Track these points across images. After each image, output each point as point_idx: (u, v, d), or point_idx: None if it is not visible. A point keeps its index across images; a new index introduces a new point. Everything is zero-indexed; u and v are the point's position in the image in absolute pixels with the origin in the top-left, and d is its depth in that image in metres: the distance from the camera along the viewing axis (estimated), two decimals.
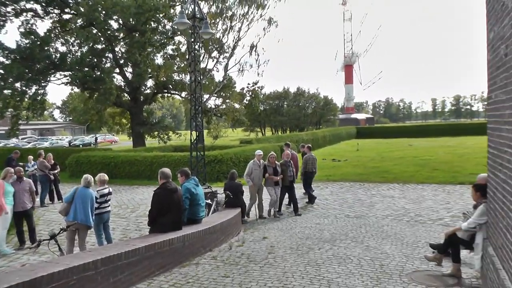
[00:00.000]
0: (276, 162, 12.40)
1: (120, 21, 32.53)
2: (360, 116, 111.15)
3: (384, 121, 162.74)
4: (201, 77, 12.67)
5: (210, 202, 10.95)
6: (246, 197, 12.18)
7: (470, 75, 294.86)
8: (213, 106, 40.63)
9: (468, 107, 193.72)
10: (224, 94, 40.83)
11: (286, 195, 12.53)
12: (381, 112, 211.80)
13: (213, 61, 38.89)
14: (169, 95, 42.28)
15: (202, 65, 34.67)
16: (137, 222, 11.88)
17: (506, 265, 4.53)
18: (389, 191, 15.29)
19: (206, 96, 37.83)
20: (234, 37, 38.73)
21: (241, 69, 39.73)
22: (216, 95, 39.30)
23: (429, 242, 8.24)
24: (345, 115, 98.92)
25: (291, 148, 16.03)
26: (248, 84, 44.33)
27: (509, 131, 4.38)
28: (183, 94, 37.97)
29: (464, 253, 6.94)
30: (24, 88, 30.24)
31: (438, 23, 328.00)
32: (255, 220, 11.62)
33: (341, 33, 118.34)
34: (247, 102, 43.91)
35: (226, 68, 38.24)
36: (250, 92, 42.97)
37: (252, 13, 37.90)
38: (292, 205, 12.40)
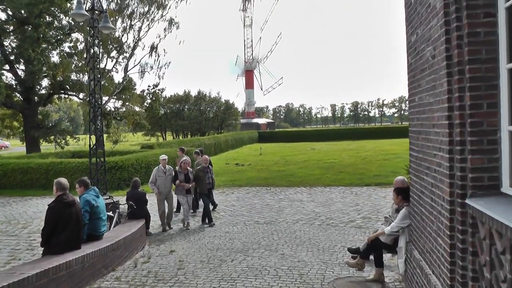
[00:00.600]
0: (189, 168, 11.67)
1: (9, 12, 29.85)
2: (261, 120, 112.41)
3: (285, 125, 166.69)
4: (100, 77, 11.67)
5: (112, 215, 9.93)
6: (152, 207, 11.47)
7: (367, 82, 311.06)
8: (113, 109, 38.90)
9: (366, 113, 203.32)
10: (124, 97, 39.28)
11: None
12: (282, 117, 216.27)
13: (112, 61, 37.31)
14: (66, 96, 39.84)
15: (101, 65, 32.99)
16: (29, 240, 10.35)
17: (436, 270, 4.33)
18: (296, 195, 15.20)
19: (105, 98, 36.06)
20: (134, 37, 37.42)
21: (141, 70, 38.39)
22: (115, 97, 37.66)
23: (346, 247, 8.09)
24: (246, 120, 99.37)
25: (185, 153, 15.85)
26: (149, 86, 43.14)
27: (438, 134, 4.19)
28: (81, 95, 35.90)
29: (384, 256, 6.81)
30: None
31: (339, 34, 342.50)
32: (161, 232, 10.81)
33: (242, 38, 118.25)
34: (147, 105, 42.56)
35: (126, 69, 36.86)
36: (150, 95, 41.71)
37: (153, 12, 36.79)
38: (203, 213, 11.59)
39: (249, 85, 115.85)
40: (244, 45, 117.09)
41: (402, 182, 7.12)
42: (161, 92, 43.75)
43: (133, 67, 37.94)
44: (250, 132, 57.38)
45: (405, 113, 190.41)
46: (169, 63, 41.30)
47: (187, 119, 61.70)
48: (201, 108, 64.23)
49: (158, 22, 39.74)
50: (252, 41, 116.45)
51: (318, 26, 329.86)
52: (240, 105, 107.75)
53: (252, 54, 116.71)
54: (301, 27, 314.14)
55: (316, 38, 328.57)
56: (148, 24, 36.84)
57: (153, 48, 37.59)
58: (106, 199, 10.29)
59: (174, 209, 12.40)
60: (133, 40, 37.04)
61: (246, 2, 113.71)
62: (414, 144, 5.42)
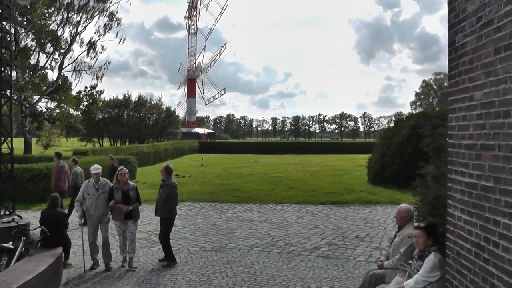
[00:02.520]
0: (130, 182, 8.69)
1: None
2: (202, 130, 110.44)
3: (225, 136, 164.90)
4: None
5: (11, 246, 7.28)
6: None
7: (307, 98, 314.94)
8: (45, 110, 35.75)
9: (306, 127, 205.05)
10: (58, 97, 36.23)
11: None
12: (222, 128, 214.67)
13: (47, 57, 34.25)
14: None
15: (33, 60, 30.10)
16: None
17: None
18: (246, 213, 13.42)
19: (36, 97, 32.99)
20: (71, 31, 34.48)
21: (78, 69, 35.37)
22: (48, 97, 34.55)
23: None
24: (187, 129, 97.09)
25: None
26: (86, 88, 40.19)
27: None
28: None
29: None
30: None
31: (286, 48, 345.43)
32: (89, 269, 7.99)
33: (186, 46, 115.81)
34: (83, 108, 39.57)
35: (61, 67, 33.79)
36: (87, 97, 38.78)
37: (93, 8, 34.06)
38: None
39: (191, 94, 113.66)
40: (188, 53, 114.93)
41: (408, 212, 5.53)
42: (99, 95, 40.84)
43: (68, 65, 34.93)
44: (191, 141, 55.19)
45: (345, 130, 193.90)
46: (109, 63, 38.48)
47: (126, 125, 58.81)
48: (141, 114, 61.46)
49: (99, 17, 36.84)
50: (196, 49, 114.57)
51: (264, 38, 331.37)
52: (181, 114, 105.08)
53: (195, 62, 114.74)
54: (246, 37, 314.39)
55: (261, 50, 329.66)
56: (88, 18, 34.00)
57: (91, 44, 34.70)
58: (8, 222, 7.97)
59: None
60: (70, 35, 34.08)
61: (192, 9, 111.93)
62: (468, 165, 3.68)
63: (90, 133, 61.70)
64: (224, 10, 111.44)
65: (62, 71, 34.01)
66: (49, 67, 34.41)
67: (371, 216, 13.09)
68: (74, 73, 35.69)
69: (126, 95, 62.49)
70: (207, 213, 13.39)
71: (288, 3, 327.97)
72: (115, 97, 63.10)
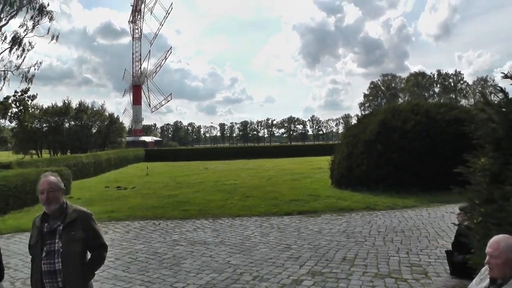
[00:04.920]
0: None
1: None
2: (149, 138, 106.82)
3: (173, 144, 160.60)
4: None
5: None
6: None
7: (253, 103, 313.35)
8: None
9: (255, 132, 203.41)
10: None
11: None
12: (170, 135, 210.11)
13: None
14: None
15: None
16: None
17: None
18: (197, 232, 10.79)
19: None
20: None
21: (4, 70, 31.29)
22: None
23: None
24: (133, 138, 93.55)
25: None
26: (16, 92, 35.93)
27: None
28: None
29: None
30: None
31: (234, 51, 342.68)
32: None
33: (130, 52, 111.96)
34: (11, 115, 35.45)
35: None
36: (17, 103, 34.71)
37: None
38: None
39: (136, 101, 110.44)
40: (133, 58, 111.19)
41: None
42: (32, 100, 36.71)
43: None
44: (136, 150, 51.79)
45: (294, 133, 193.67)
46: (40, 63, 34.43)
47: (66, 134, 54.65)
48: (83, 122, 57.33)
49: (27, 9, 32.69)
50: (141, 55, 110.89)
51: (209, 44, 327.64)
52: (127, 122, 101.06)
53: (140, 68, 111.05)
54: (191, 43, 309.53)
55: (206, 55, 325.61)
56: (10, 11, 30.08)
57: (16, 40, 30.65)
58: None
59: None
60: None
61: (136, 13, 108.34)
62: None
63: (27, 144, 57.14)
64: (168, 13, 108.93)
65: None
66: None
67: (350, 227, 10.79)
68: None
69: (66, 102, 58.26)
70: (148, 235, 10.66)
71: (231, 8, 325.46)
72: (53, 104, 58.76)
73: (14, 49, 30.68)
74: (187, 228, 11.35)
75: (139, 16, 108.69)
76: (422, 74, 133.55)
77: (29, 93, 36.49)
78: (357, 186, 17.15)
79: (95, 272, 4.08)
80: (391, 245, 8.86)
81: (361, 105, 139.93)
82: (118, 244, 9.81)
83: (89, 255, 3.95)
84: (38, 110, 57.21)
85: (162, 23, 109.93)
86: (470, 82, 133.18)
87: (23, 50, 31.14)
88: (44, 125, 57.71)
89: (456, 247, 5.72)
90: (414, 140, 16.69)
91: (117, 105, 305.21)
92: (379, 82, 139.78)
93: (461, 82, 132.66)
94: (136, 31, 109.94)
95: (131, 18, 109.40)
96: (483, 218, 4.07)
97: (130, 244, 9.72)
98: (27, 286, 7.14)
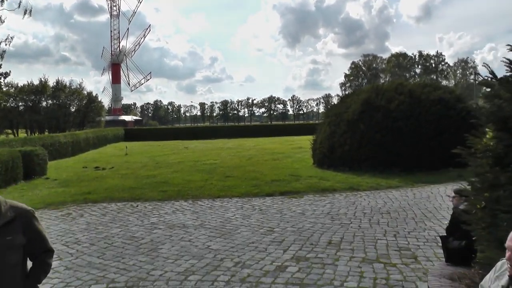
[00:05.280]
0: None
1: None
2: (128, 118, 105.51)
3: (153, 123, 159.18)
4: None
5: None
6: None
7: (233, 82, 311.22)
8: None
9: (235, 112, 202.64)
10: None
11: None
12: (150, 115, 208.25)
13: None
14: None
15: None
16: None
17: None
18: (176, 214, 10.39)
19: None
20: None
21: None
22: None
23: None
24: (112, 117, 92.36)
25: None
26: None
27: None
28: None
29: None
30: None
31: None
32: None
33: (109, 30, 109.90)
34: None
35: None
36: None
37: None
38: None
39: (115, 79, 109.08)
40: (111, 36, 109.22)
41: None
42: (4, 78, 35.45)
43: None
44: (115, 129, 50.95)
45: (274, 113, 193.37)
46: (12, 38, 32.90)
47: (43, 113, 53.40)
48: (60, 101, 55.99)
49: None
50: (119, 33, 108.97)
51: (188, 23, 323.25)
52: (106, 101, 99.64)
53: (119, 46, 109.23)
54: (170, 21, 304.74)
55: (186, 34, 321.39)
56: None
57: None
58: None
59: None
60: None
61: None
62: None
63: (2, 123, 55.80)
64: None
65: None
66: None
67: (334, 208, 10.50)
68: None
69: (42, 80, 56.79)
70: (125, 218, 10.22)
71: None
72: (29, 82, 57.28)
73: None
74: (165, 210, 10.94)
75: None
76: (403, 55, 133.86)
77: (1, 70, 34.98)
78: (339, 166, 16.92)
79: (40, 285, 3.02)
80: (377, 227, 8.58)
81: (342, 85, 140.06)
82: (93, 228, 9.36)
83: (30, 263, 2.99)
84: (13, 89, 55.76)
85: (141, 0, 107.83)
86: (451, 64, 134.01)
87: None
88: (20, 103, 56.36)
89: (451, 232, 5.42)
90: (397, 120, 16.45)
91: (96, 83, 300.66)
92: (360, 63, 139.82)
93: (442, 63, 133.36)
94: (114, 8, 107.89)
95: None
96: (488, 205, 3.75)
97: (106, 228, 9.29)
98: None
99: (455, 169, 15.20)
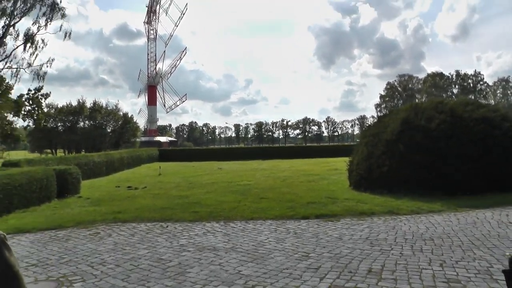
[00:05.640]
0: None
1: None
2: (163, 139, 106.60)
3: (188, 145, 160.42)
4: None
5: None
6: None
7: (268, 104, 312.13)
8: None
9: (270, 133, 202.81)
10: None
11: None
12: (185, 136, 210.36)
13: None
14: None
15: None
16: None
17: None
18: (207, 236, 9.97)
19: None
20: (4, 21, 29.87)
21: (12, 66, 30.62)
22: None
23: None
24: (148, 138, 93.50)
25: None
26: (29, 90, 35.48)
27: None
28: None
29: None
30: None
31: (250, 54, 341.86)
32: None
33: (146, 53, 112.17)
34: (25, 113, 34.95)
35: None
36: (30, 101, 34.20)
37: None
38: None
39: (151, 101, 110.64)
40: (148, 59, 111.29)
41: None
42: (45, 98, 36.26)
43: (1, 60, 30.24)
44: (149, 149, 51.11)
45: (309, 135, 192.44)
46: (53, 60, 33.85)
47: (80, 133, 54.39)
48: (97, 121, 57.00)
49: (40, 7, 32.09)
50: (156, 55, 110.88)
51: (223, 45, 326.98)
52: (142, 123, 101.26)
53: (155, 69, 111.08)
54: (206, 44, 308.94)
55: (221, 57, 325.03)
56: (24, 8, 29.54)
57: (29, 37, 30.00)
58: None
59: None
60: (3, 26, 29.37)
61: (151, 14, 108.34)
62: None
63: (42, 143, 57.08)
64: (183, 14, 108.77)
65: None
66: None
67: (373, 233, 9.87)
68: (11, 72, 31.33)
69: (80, 101, 58.07)
70: (154, 239, 9.87)
71: (246, 9, 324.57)
72: (68, 103, 58.64)
73: (28, 47, 30.05)
74: (196, 231, 10.54)
75: (154, 17, 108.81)
76: (440, 75, 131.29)
77: (43, 91, 35.90)
78: (377, 189, 16.22)
79: None
80: (421, 255, 7.92)
81: (377, 106, 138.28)
82: (120, 248, 9.03)
83: None
84: (53, 110, 57.10)
85: (177, 24, 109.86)
86: (490, 83, 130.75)
87: (36, 48, 30.50)
88: (59, 124, 57.64)
89: None
90: (438, 140, 15.69)
91: (133, 105, 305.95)
92: (395, 83, 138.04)
93: (481, 83, 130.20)
94: (151, 32, 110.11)
95: (146, 19, 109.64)
96: None
97: (134, 249, 8.94)
98: None
99: (502, 193, 14.50)
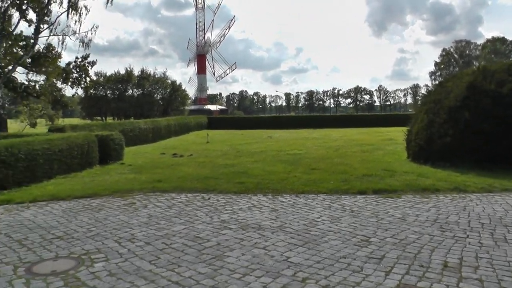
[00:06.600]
0: None
1: None
2: (214, 107, 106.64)
3: (238, 113, 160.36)
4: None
5: None
6: None
7: (319, 72, 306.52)
8: (26, 82, 31.26)
9: (321, 102, 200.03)
10: (44, 69, 31.75)
11: None
12: (235, 105, 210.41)
13: (29, 25, 29.69)
14: None
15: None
16: None
17: None
18: (252, 212, 8.87)
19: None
20: None
21: (57, 32, 30.16)
22: (29, 65, 30.01)
23: None
24: (198, 106, 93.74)
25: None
26: (77, 58, 35.37)
27: None
28: None
29: None
30: None
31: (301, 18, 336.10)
32: None
33: (194, 24, 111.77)
34: (72, 81, 34.91)
35: (37, 30, 28.90)
36: (77, 69, 34.07)
37: None
38: None
39: (201, 70, 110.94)
40: (196, 28, 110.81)
41: None
42: (91, 66, 36.06)
43: (46, 28, 29.90)
44: (198, 117, 50.52)
45: (360, 104, 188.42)
46: (97, 27, 33.37)
47: (128, 101, 54.54)
48: (145, 89, 56.90)
49: None
50: (204, 25, 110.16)
51: (272, 14, 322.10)
52: (192, 92, 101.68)
53: (204, 38, 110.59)
54: (254, 13, 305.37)
55: (270, 25, 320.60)
56: None
57: (72, 4, 29.46)
58: None
59: None
60: None
61: None
62: None
63: (92, 110, 57.84)
64: None
65: (39, 35, 29.07)
66: (31, 32, 29.76)
67: (442, 214, 8.46)
68: (57, 40, 31.14)
69: (128, 69, 58.11)
70: (193, 213, 8.87)
71: None
72: (116, 71, 58.91)
73: (72, 13, 29.61)
74: (240, 205, 9.47)
75: None
76: (501, 40, 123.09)
77: (89, 59, 35.75)
78: (438, 161, 14.65)
79: None
80: (507, 246, 6.43)
81: (432, 74, 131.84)
82: (154, 222, 8.09)
83: None
84: (102, 78, 57.61)
85: None
86: None
87: (80, 15, 30.05)
88: (108, 92, 58.16)
89: None
90: (511, 107, 13.89)
91: (183, 75, 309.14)
92: (451, 50, 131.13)
93: None
94: (200, 1, 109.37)
95: None
96: None
97: (169, 224, 7.96)
98: (32, 274, 5.59)
99: None
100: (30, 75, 31.88)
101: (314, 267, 5.66)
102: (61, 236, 7.34)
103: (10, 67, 28.57)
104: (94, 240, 7.08)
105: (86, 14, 30.64)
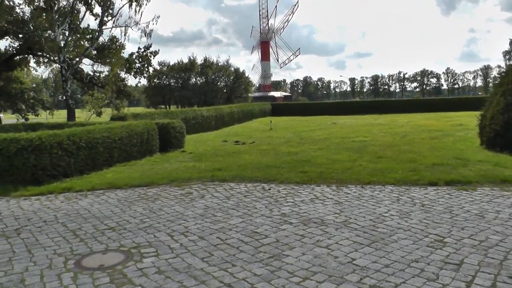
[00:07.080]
0: None
1: None
2: (278, 94, 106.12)
3: (302, 99, 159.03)
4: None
5: None
6: None
7: (389, 56, 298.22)
8: (91, 73, 31.99)
9: (386, 87, 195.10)
10: (109, 60, 32.36)
11: None
12: (300, 91, 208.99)
13: (94, 16, 30.28)
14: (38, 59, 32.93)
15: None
16: None
17: None
18: (315, 204, 8.22)
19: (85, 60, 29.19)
20: None
21: (119, 24, 30.61)
22: (95, 57, 30.68)
23: None
24: (262, 93, 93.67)
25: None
26: (139, 48, 35.89)
27: None
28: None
29: None
30: None
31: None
32: None
33: (257, 12, 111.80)
34: (135, 70, 35.46)
35: (101, 22, 29.46)
36: (140, 59, 34.53)
37: None
38: None
39: (265, 57, 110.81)
40: (259, 15, 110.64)
41: None
42: (154, 56, 36.38)
43: (110, 20, 30.41)
44: (261, 104, 49.98)
45: (427, 88, 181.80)
46: (158, 17, 33.65)
47: (191, 89, 55.05)
48: (208, 77, 57.17)
49: None
50: (267, 11, 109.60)
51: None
52: (256, 79, 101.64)
53: (267, 24, 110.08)
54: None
55: (334, 10, 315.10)
56: None
57: None
58: None
59: None
60: None
61: None
62: None
63: (156, 99, 58.84)
64: None
65: (103, 27, 29.59)
66: (96, 25, 30.43)
67: None
68: (120, 30, 31.76)
69: (191, 58, 58.61)
70: (251, 204, 8.34)
71: None
72: (179, 60, 59.57)
73: (134, 5, 29.98)
74: (302, 197, 8.85)
75: None
76: None
77: (151, 49, 36.21)
78: None
79: None
80: None
81: (506, 53, 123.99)
82: (211, 215, 7.62)
83: None
84: (165, 67, 58.52)
85: None
86: None
87: (140, 5, 30.34)
88: (172, 81, 59.03)
89: None
90: None
91: (247, 62, 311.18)
92: None
93: None
94: None
95: None
96: None
97: (225, 217, 7.47)
98: (81, 268, 5.27)
99: None
100: (95, 66, 32.83)
101: (382, 272, 4.94)
102: (114, 227, 7.04)
103: (77, 59, 29.32)
104: (146, 232, 6.71)
105: (146, 4, 30.84)
